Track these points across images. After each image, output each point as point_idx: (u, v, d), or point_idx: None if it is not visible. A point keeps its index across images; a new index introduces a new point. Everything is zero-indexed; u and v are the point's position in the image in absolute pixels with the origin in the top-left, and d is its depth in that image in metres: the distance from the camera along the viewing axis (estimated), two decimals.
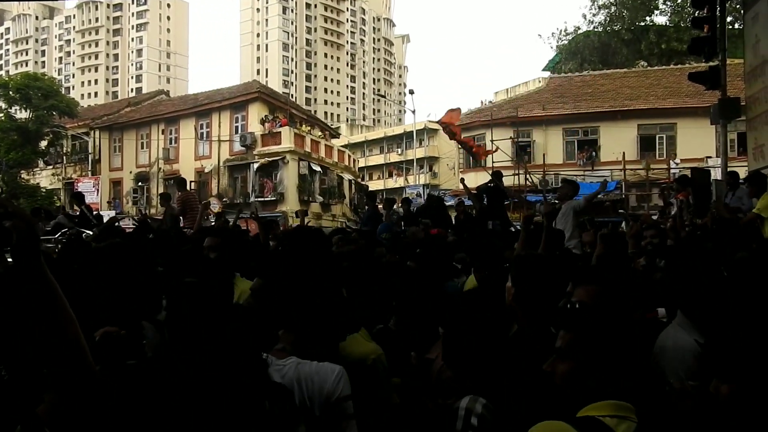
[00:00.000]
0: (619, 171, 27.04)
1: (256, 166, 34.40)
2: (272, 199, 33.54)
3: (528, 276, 3.06)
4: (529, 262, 3.19)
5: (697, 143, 26.81)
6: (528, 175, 26.63)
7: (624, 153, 26.94)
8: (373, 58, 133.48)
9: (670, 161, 27.15)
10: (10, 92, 36.78)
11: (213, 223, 11.68)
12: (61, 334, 1.57)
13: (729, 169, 11.09)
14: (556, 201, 10.58)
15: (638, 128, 29.96)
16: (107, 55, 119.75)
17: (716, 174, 13.59)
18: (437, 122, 24.18)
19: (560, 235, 5.96)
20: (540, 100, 32.70)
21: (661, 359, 2.73)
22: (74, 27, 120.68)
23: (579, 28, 46.07)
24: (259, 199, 33.56)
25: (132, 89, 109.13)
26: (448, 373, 2.61)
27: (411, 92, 41.76)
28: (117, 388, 1.70)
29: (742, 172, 17.91)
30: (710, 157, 24.65)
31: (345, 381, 2.32)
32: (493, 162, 26.86)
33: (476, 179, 20.65)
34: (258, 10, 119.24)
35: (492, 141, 29.95)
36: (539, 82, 35.85)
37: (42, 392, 1.59)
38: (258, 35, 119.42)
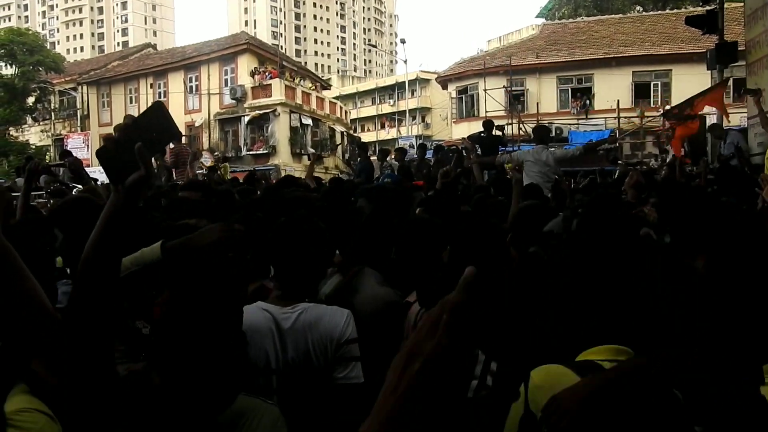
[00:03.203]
0: (613, 119, 26.90)
1: (246, 119, 34.05)
2: (264, 152, 33.31)
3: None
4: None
5: (692, 90, 26.23)
6: (521, 125, 26.46)
7: (618, 101, 26.73)
8: (363, 8, 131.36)
9: (665, 108, 26.99)
10: None
11: (205, 176, 11.64)
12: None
13: (713, 123, 11.02)
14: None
15: (633, 75, 29.67)
16: (91, 8, 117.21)
17: (711, 120, 13.54)
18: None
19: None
20: (533, 48, 32.31)
21: None
22: None
23: None
24: (251, 153, 33.35)
25: (118, 43, 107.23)
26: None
27: (402, 41, 41.27)
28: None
29: (737, 119, 17.86)
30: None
31: (353, 324, 2.43)
32: (486, 111, 26.69)
33: (469, 129, 20.55)
34: None
35: (485, 90, 29.70)
36: (532, 29, 35.37)
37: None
38: None
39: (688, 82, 26.98)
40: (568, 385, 1.66)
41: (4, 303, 1.50)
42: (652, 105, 28.57)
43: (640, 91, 29.68)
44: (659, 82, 29.47)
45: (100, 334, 1.65)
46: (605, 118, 27.85)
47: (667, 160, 10.88)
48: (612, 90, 28.65)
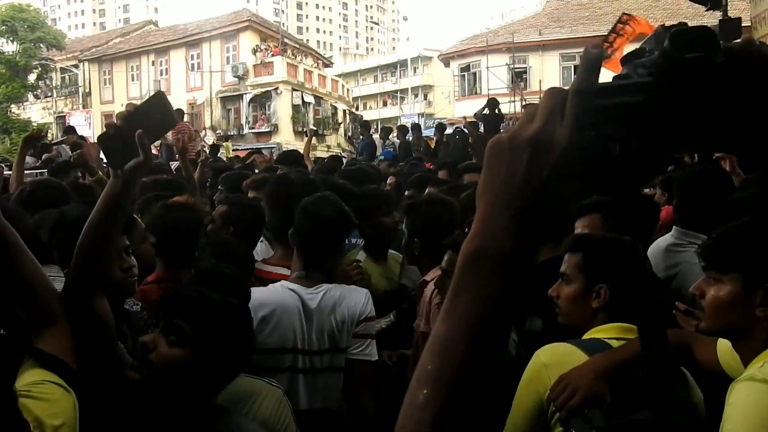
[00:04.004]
0: None
1: (248, 97, 33.88)
2: (266, 130, 33.18)
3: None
4: None
5: None
6: (524, 102, 26.33)
7: None
8: None
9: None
10: None
11: (209, 155, 11.61)
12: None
13: None
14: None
15: None
16: None
17: None
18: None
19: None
20: (536, 25, 32.06)
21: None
22: None
23: None
24: (253, 131, 33.24)
25: (120, 20, 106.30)
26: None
27: (405, 18, 41.00)
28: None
29: None
30: None
31: (371, 303, 2.54)
32: (488, 89, 26.55)
33: (471, 107, 20.47)
34: None
35: (488, 68, 29.54)
36: (536, 6, 35.06)
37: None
38: None
39: None
40: (575, 364, 1.66)
41: (8, 279, 1.57)
42: None
43: None
44: None
45: (100, 314, 1.72)
46: None
47: None
48: None
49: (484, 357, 0.62)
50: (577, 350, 1.72)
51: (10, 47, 37.21)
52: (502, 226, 0.62)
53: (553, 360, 1.72)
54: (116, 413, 1.68)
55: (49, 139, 11.52)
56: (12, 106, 37.10)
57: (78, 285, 1.67)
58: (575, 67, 30.61)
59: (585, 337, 1.83)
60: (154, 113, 1.66)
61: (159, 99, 1.69)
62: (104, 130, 1.69)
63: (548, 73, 30.70)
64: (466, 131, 11.07)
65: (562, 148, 0.61)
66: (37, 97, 40.38)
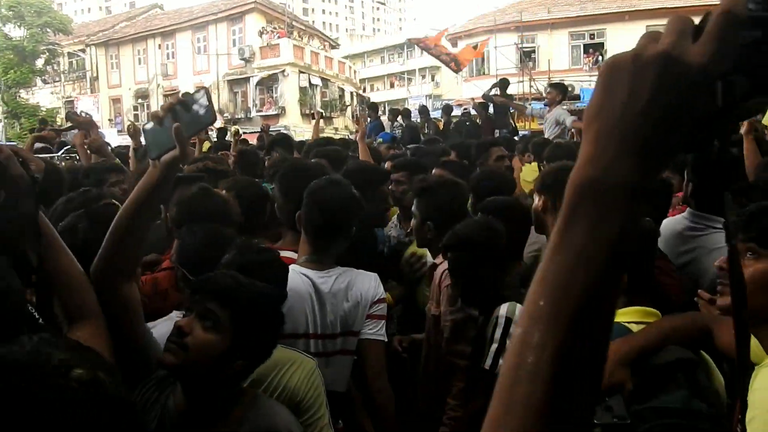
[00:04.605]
0: None
1: (255, 79, 33.81)
2: (274, 113, 33.11)
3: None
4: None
5: None
6: (532, 82, 26.13)
7: None
8: None
9: None
10: (3, 9, 35.94)
11: (215, 138, 11.63)
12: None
13: None
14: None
15: (647, 29, 28.61)
16: None
17: None
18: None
19: None
20: (545, 3, 31.69)
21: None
22: None
23: None
24: (260, 114, 33.19)
25: (126, 3, 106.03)
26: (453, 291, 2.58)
27: None
28: None
29: None
30: None
31: (381, 285, 2.56)
32: (497, 69, 26.35)
33: (479, 87, 20.33)
34: None
35: (496, 47, 29.27)
36: None
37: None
38: None
39: None
40: None
41: (46, 272, 1.58)
42: None
43: None
44: None
45: (128, 299, 1.72)
46: None
47: None
48: (626, 45, 27.54)
49: (605, 293, 0.57)
50: None
51: (17, 33, 37.25)
52: (621, 153, 0.57)
53: None
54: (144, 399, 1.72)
55: (58, 124, 11.52)
56: (21, 91, 37.23)
57: (107, 272, 1.68)
58: (584, 45, 30.39)
59: None
60: (195, 108, 1.66)
61: (202, 94, 1.69)
62: (147, 120, 1.70)
63: (557, 52, 30.40)
64: (475, 112, 11.00)
65: (701, 63, 0.55)
66: (45, 81, 40.52)
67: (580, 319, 0.56)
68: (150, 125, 1.68)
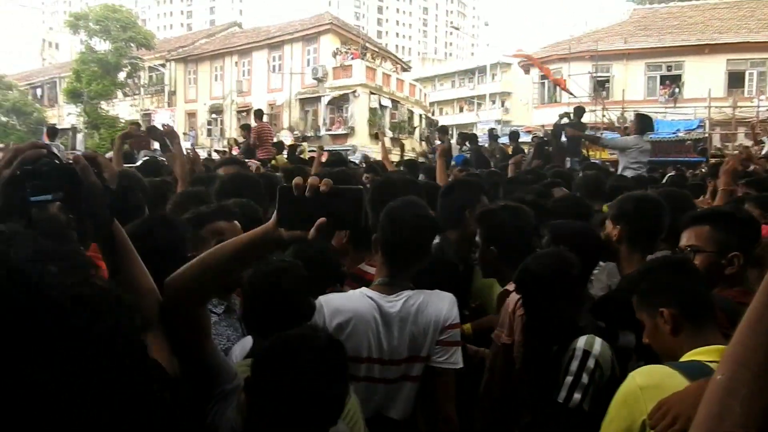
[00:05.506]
0: (703, 108, 25.70)
1: (327, 99, 34.31)
2: (343, 132, 33.50)
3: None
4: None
5: None
6: (605, 112, 25.65)
7: (710, 89, 25.52)
8: None
9: (759, 98, 25.56)
10: (90, 24, 37.57)
11: (286, 156, 11.80)
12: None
13: None
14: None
15: (727, 63, 28.20)
16: None
17: None
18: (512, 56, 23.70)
19: None
20: (622, 33, 31.16)
21: None
22: None
23: None
24: (329, 132, 33.60)
25: (206, 21, 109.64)
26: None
27: (486, 24, 40.70)
28: None
29: None
30: None
31: (456, 308, 2.41)
32: (569, 98, 25.99)
33: (550, 115, 20.10)
34: None
35: (569, 75, 28.92)
36: (622, 14, 34.17)
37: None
38: None
39: None
40: (675, 388, 1.55)
41: (116, 281, 1.56)
42: (746, 95, 27.09)
43: (734, 80, 28.13)
44: (755, 71, 27.88)
45: (201, 316, 1.71)
46: (695, 107, 26.64)
47: (763, 152, 10.26)
48: (703, 78, 27.28)
49: None
50: (677, 374, 1.61)
51: (102, 46, 38.86)
52: None
53: (650, 383, 1.62)
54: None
55: (143, 130, 11.96)
56: (102, 102, 38.73)
57: (184, 294, 1.60)
58: (661, 77, 29.71)
59: (683, 359, 1.71)
60: (343, 204, 1.44)
61: (359, 196, 1.45)
62: (292, 186, 1.43)
63: (632, 82, 29.79)
64: (545, 139, 10.87)
65: None
66: (125, 94, 42.04)
67: None
68: (289, 191, 1.45)
